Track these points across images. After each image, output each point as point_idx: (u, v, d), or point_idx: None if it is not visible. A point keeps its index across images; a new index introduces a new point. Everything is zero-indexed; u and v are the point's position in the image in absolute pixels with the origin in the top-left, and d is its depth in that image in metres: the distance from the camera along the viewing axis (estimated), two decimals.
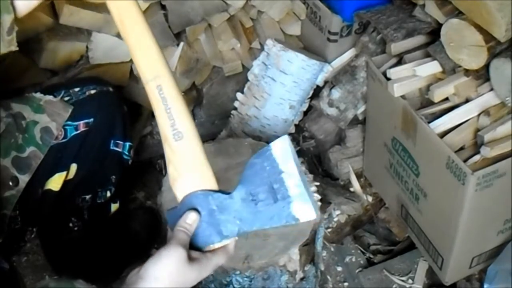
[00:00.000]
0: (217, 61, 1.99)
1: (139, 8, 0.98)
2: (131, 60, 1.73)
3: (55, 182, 1.38)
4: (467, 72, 1.51)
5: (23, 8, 0.99)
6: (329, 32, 1.96)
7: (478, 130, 1.48)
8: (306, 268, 1.45)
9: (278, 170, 0.90)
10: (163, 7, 1.85)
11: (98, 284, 1.08)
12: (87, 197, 1.49)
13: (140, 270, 0.91)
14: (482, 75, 1.50)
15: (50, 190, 1.38)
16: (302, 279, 1.44)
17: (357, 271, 1.80)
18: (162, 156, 1.01)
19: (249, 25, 2.01)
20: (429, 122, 1.51)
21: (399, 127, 1.63)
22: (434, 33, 1.64)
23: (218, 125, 2.13)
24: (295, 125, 2.03)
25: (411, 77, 1.59)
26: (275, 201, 0.92)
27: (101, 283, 1.08)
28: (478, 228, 1.54)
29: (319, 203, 1.45)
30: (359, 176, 1.98)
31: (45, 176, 1.36)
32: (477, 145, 1.45)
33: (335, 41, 1.98)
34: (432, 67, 1.58)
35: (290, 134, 2.04)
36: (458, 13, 1.48)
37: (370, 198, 1.94)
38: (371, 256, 1.87)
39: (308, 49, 2.07)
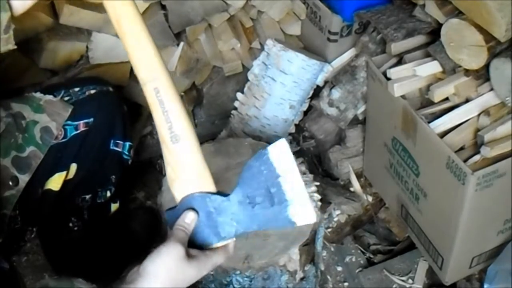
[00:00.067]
0: (217, 61, 1.99)
1: (137, 8, 0.96)
2: None
3: (55, 182, 1.38)
4: (467, 72, 1.51)
5: (19, 7, 0.99)
6: (329, 32, 1.96)
7: (478, 130, 1.48)
8: (306, 268, 1.45)
9: (275, 174, 0.91)
10: (163, 7, 1.85)
11: (98, 283, 1.08)
12: (87, 197, 1.49)
13: (139, 268, 0.91)
14: (482, 75, 1.50)
15: (50, 190, 1.38)
16: (302, 279, 1.44)
17: (357, 271, 1.80)
18: (162, 156, 1.01)
19: (249, 25, 2.01)
20: (429, 122, 1.51)
21: (399, 127, 1.63)
22: (434, 33, 1.64)
23: (218, 125, 2.13)
24: (295, 125, 2.03)
25: (411, 77, 1.59)
26: (272, 205, 0.92)
27: (101, 282, 1.08)
28: (478, 228, 1.54)
29: (319, 203, 1.45)
30: (359, 176, 1.98)
31: (45, 176, 1.36)
32: (477, 145, 1.45)
33: (335, 41, 1.98)
34: (432, 67, 1.58)
35: (290, 134, 2.04)
36: (458, 13, 1.48)
37: (370, 198, 1.94)
38: (371, 256, 1.87)
39: (308, 49, 2.07)
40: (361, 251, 1.87)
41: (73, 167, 1.40)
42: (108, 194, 1.53)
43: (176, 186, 0.99)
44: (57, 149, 1.35)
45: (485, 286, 1.47)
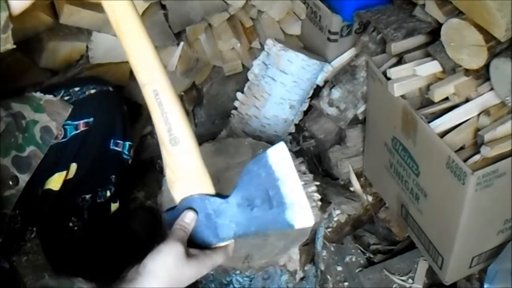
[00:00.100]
0: (217, 60, 1.99)
1: (135, 10, 0.96)
2: None
3: (55, 182, 1.38)
4: (467, 71, 1.51)
5: (18, 7, 0.99)
6: (329, 31, 1.96)
7: (478, 129, 1.48)
8: (306, 268, 1.45)
9: (274, 177, 0.91)
10: (163, 7, 1.85)
11: (98, 283, 1.08)
12: (87, 196, 1.49)
13: (138, 267, 0.92)
14: (482, 74, 1.50)
15: (50, 190, 1.38)
16: (302, 278, 1.44)
17: (357, 270, 1.80)
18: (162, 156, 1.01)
19: (249, 24, 2.01)
20: (429, 122, 1.51)
21: (399, 126, 1.63)
22: (434, 33, 1.64)
23: (218, 124, 2.13)
24: (295, 124, 2.03)
25: (411, 76, 1.59)
26: (271, 208, 0.93)
27: (101, 282, 1.08)
28: (478, 227, 1.54)
29: (319, 203, 1.44)
30: (359, 175, 1.98)
31: (45, 176, 1.36)
32: (477, 145, 1.45)
33: (335, 40, 1.98)
34: (432, 67, 1.58)
35: (290, 133, 2.04)
36: (458, 13, 1.48)
37: (370, 198, 1.95)
38: (371, 256, 1.87)
39: (308, 48, 2.07)
40: (361, 251, 1.87)
41: (73, 166, 1.40)
42: (108, 193, 1.53)
43: (176, 188, 0.99)
44: (57, 149, 1.35)
45: (485, 286, 1.47)
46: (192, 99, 2.07)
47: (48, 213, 1.43)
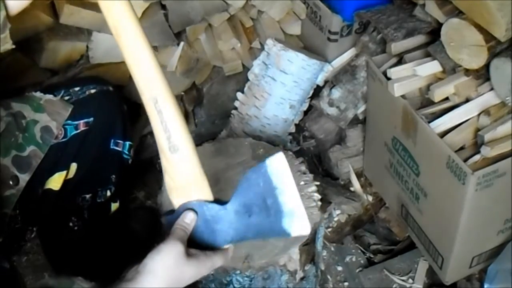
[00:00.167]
0: (217, 60, 1.99)
1: (133, 11, 0.95)
2: None
3: (55, 182, 1.38)
4: (467, 71, 1.51)
5: (15, 7, 0.99)
6: (330, 31, 1.96)
7: (478, 129, 1.48)
8: (306, 268, 1.45)
9: (272, 186, 0.92)
10: (164, 6, 1.85)
11: (98, 282, 1.09)
12: (87, 196, 1.49)
13: (138, 266, 0.92)
14: (482, 74, 1.49)
15: (50, 190, 1.38)
16: (302, 278, 1.44)
17: (357, 270, 1.80)
18: None
19: (249, 24, 2.01)
20: (429, 122, 1.51)
21: (399, 126, 1.63)
22: (434, 33, 1.64)
23: (218, 124, 2.13)
24: (296, 124, 2.03)
25: (411, 76, 1.59)
26: (268, 216, 0.94)
27: (101, 282, 1.08)
28: (478, 227, 1.54)
29: (319, 203, 1.44)
30: (359, 175, 1.98)
31: (45, 176, 1.36)
32: (477, 145, 1.45)
33: (335, 40, 1.98)
34: (432, 67, 1.58)
35: (290, 133, 2.04)
36: (458, 13, 1.48)
37: (370, 198, 1.95)
38: (372, 256, 1.87)
39: (308, 48, 2.07)
40: (361, 250, 1.87)
41: (73, 166, 1.40)
42: (108, 193, 1.53)
43: (175, 194, 1.01)
44: (57, 149, 1.35)
45: (485, 286, 1.47)
46: (192, 99, 2.07)
47: (48, 213, 1.43)
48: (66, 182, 1.40)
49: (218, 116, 2.15)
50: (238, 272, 1.32)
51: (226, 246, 1.01)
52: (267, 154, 1.59)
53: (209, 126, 2.16)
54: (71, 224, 1.50)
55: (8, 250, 1.49)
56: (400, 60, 1.68)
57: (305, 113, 2.05)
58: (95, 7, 1.69)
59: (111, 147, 1.47)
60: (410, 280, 1.75)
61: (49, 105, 1.33)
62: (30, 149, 1.29)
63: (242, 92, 1.97)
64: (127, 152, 1.51)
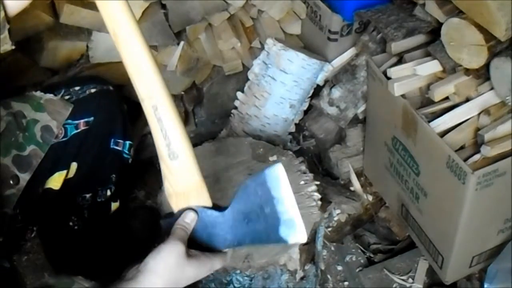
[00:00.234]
0: (217, 60, 1.99)
1: (133, 16, 0.93)
2: None
3: (56, 181, 1.38)
4: (467, 71, 1.51)
5: (14, 7, 0.99)
6: (330, 31, 1.96)
7: (478, 129, 1.48)
8: (306, 267, 1.45)
9: (270, 196, 0.93)
10: (164, 6, 1.85)
11: (98, 282, 1.09)
12: (88, 196, 1.49)
13: (139, 265, 0.92)
14: (482, 74, 1.50)
15: (50, 189, 1.38)
16: (302, 278, 1.44)
17: (357, 270, 1.80)
18: None
19: (249, 24, 2.01)
20: (429, 121, 1.51)
21: (399, 126, 1.63)
22: (434, 32, 1.64)
23: (218, 124, 2.14)
24: (296, 124, 2.03)
25: (411, 76, 1.59)
26: (266, 223, 0.94)
27: (101, 281, 1.09)
28: (478, 227, 1.54)
29: (319, 202, 1.45)
30: (359, 175, 1.98)
31: (45, 175, 1.36)
32: (478, 144, 1.45)
33: (336, 40, 1.98)
34: (432, 66, 1.58)
35: (290, 133, 2.04)
36: (459, 12, 1.48)
37: (370, 197, 1.95)
38: (372, 255, 1.87)
39: (308, 48, 2.07)
40: (361, 250, 1.87)
41: (74, 166, 1.40)
42: (109, 193, 1.53)
43: (174, 200, 1.01)
44: (58, 148, 1.35)
45: (485, 285, 1.47)
46: (192, 98, 2.07)
47: (48, 212, 1.43)
48: (66, 181, 1.40)
49: (218, 116, 2.15)
50: (238, 271, 1.33)
51: (224, 250, 1.01)
52: (267, 154, 1.59)
53: (209, 126, 2.16)
54: (71, 223, 1.50)
55: (9, 249, 1.50)
56: (400, 59, 1.68)
57: (305, 112, 2.05)
58: (95, 7, 1.69)
59: (111, 146, 1.47)
60: (410, 280, 1.75)
61: (50, 104, 1.33)
62: (31, 148, 1.29)
63: (242, 91, 1.97)
64: (127, 152, 1.51)
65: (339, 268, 1.82)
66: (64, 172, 1.39)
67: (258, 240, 0.97)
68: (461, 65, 1.51)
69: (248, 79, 1.95)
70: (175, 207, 1.01)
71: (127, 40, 0.93)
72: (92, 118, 1.39)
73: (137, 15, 1.75)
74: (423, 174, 1.60)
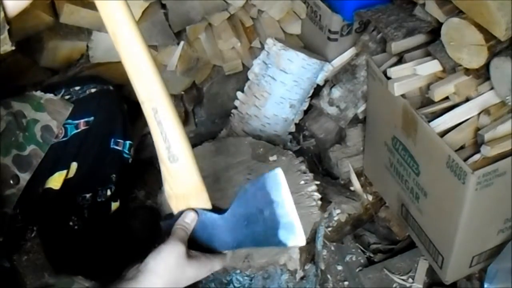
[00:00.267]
0: (217, 60, 1.99)
1: (132, 17, 0.93)
2: None
3: (56, 181, 1.38)
4: (467, 71, 1.51)
5: (15, 7, 0.99)
6: (330, 31, 1.96)
7: (478, 129, 1.48)
8: (306, 267, 1.45)
9: (270, 200, 0.93)
10: (164, 6, 1.85)
11: (98, 282, 1.09)
12: (88, 195, 1.49)
13: (139, 265, 0.92)
14: (482, 74, 1.50)
15: (50, 189, 1.38)
16: (302, 278, 1.44)
17: (357, 270, 1.80)
18: None
19: (249, 24, 2.01)
20: (429, 121, 1.51)
21: (399, 126, 1.63)
22: (435, 32, 1.64)
23: (218, 124, 2.14)
24: (296, 124, 2.03)
25: (411, 76, 1.59)
26: (265, 227, 0.95)
27: (101, 281, 1.09)
28: (478, 227, 1.54)
29: (319, 202, 1.45)
30: (359, 175, 1.98)
31: (45, 175, 1.36)
32: (478, 144, 1.45)
33: (336, 40, 1.98)
34: (432, 66, 1.58)
35: (290, 133, 2.04)
36: (458, 12, 1.48)
37: (370, 197, 1.95)
38: (372, 255, 1.87)
39: (308, 48, 2.07)
40: (361, 250, 1.87)
41: (74, 166, 1.40)
42: (109, 193, 1.53)
43: (174, 202, 1.01)
44: (58, 148, 1.35)
45: (485, 285, 1.47)
46: (192, 98, 2.07)
47: (48, 212, 1.43)
48: (66, 181, 1.40)
49: (218, 116, 2.15)
50: (238, 271, 1.33)
51: (224, 252, 1.02)
52: (267, 153, 1.59)
53: (209, 126, 2.16)
54: (71, 223, 1.50)
55: (9, 249, 1.50)
56: (400, 59, 1.68)
57: (305, 112, 2.05)
58: (95, 7, 1.69)
59: (112, 146, 1.47)
60: (410, 280, 1.75)
61: (50, 104, 1.33)
62: (31, 148, 1.29)
63: (242, 91, 1.97)
64: (127, 152, 1.51)
65: (339, 268, 1.82)
66: (64, 172, 1.39)
67: (257, 243, 0.98)
68: (461, 65, 1.51)
69: (248, 79, 1.95)
70: (175, 209, 1.01)
71: (126, 41, 0.93)
72: (92, 118, 1.39)
73: (137, 15, 1.75)
74: (423, 174, 1.60)
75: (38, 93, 1.35)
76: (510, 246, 1.49)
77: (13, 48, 1.03)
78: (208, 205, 1.01)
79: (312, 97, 1.99)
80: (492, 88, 1.50)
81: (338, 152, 2.01)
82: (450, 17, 1.49)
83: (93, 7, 1.68)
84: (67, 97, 1.38)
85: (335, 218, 1.85)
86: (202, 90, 2.07)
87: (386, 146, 1.75)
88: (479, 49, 1.42)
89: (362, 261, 1.83)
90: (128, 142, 1.50)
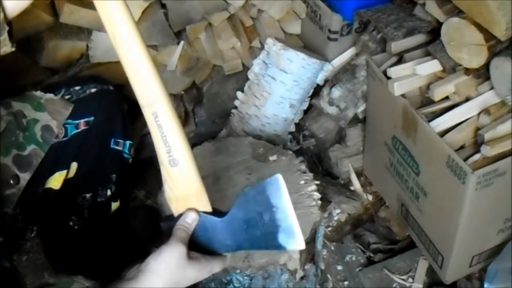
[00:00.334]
0: (217, 59, 1.99)
1: (131, 17, 0.92)
2: None
3: (56, 181, 1.38)
4: (467, 71, 1.51)
5: (15, 8, 0.99)
6: (330, 31, 1.96)
7: (478, 129, 1.48)
8: (306, 267, 1.45)
9: (270, 204, 0.94)
10: (164, 5, 1.85)
11: (98, 282, 1.09)
12: (88, 195, 1.49)
13: (140, 265, 0.92)
14: (482, 74, 1.50)
15: (50, 189, 1.38)
16: (302, 278, 1.44)
17: (357, 270, 1.80)
18: None
19: (249, 24, 2.01)
20: (429, 121, 1.51)
21: (399, 126, 1.63)
22: (434, 32, 1.64)
23: (218, 123, 2.14)
24: (295, 123, 2.03)
25: (411, 76, 1.59)
26: (265, 230, 0.96)
27: (101, 281, 1.09)
28: (478, 227, 1.54)
29: (319, 202, 1.45)
30: (359, 174, 1.98)
31: (45, 175, 1.36)
32: (477, 144, 1.45)
33: (336, 40, 1.98)
34: (432, 66, 1.58)
35: (290, 132, 2.04)
36: (458, 12, 1.48)
37: (370, 197, 1.94)
38: (371, 255, 1.87)
39: (308, 47, 2.07)
40: (361, 250, 1.87)
41: (74, 166, 1.40)
42: (109, 192, 1.53)
43: (174, 204, 1.02)
44: (58, 148, 1.35)
45: (485, 285, 1.47)
46: (192, 98, 2.07)
47: (48, 212, 1.43)
48: (66, 181, 1.40)
49: (218, 115, 2.15)
50: (238, 271, 1.33)
51: (224, 254, 1.02)
52: (267, 153, 1.59)
53: (209, 125, 2.16)
54: (71, 223, 1.50)
55: (9, 249, 1.50)
56: (400, 59, 1.68)
57: (305, 112, 2.05)
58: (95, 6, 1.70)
59: (112, 146, 1.47)
60: (410, 279, 1.75)
61: (50, 104, 1.33)
62: (31, 148, 1.29)
63: (242, 91, 1.97)
64: (127, 151, 1.51)
65: (339, 267, 1.82)
66: (64, 172, 1.39)
67: (257, 246, 0.99)
68: (461, 65, 1.51)
69: (248, 79, 1.95)
70: (175, 211, 1.02)
71: (125, 41, 0.92)
72: (92, 118, 1.39)
73: (137, 15, 1.75)
74: (423, 174, 1.60)
75: (38, 93, 1.35)
76: (510, 246, 1.49)
77: (13, 49, 1.03)
78: (208, 208, 1.01)
79: (312, 97, 1.99)
80: (492, 88, 1.50)
81: (338, 152, 2.02)
82: (450, 17, 1.49)
83: (93, 7, 1.68)
84: (67, 97, 1.38)
85: (335, 218, 1.85)
86: (202, 90, 2.07)
87: (386, 146, 1.75)
88: (479, 49, 1.42)
89: (362, 261, 1.84)
90: (128, 142, 1.50)
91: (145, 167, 1.99)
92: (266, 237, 0.95)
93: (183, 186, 0.99)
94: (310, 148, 2.14)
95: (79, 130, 1.38)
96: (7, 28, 0.99)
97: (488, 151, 1.41)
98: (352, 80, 1.91)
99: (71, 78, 1.76)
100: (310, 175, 1.51)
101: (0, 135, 1.23)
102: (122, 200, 1.62)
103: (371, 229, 1.97)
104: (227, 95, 2.10)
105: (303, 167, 1.53)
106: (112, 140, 1.46)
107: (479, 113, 1.51)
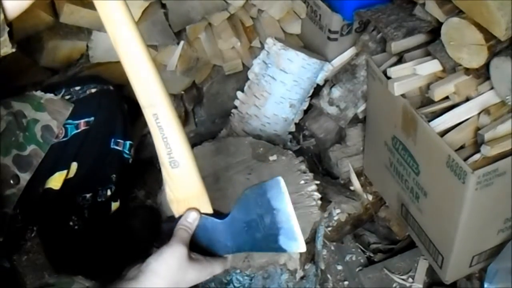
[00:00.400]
0: (217, 59, 1.99)
1: (131, 17, 0.91)
2: None
3: (56, 181, 1.38)
4: (467, 71, 1.51)
5: (15, 9, 0.99)
6: (330, 30, 1.96)
7: (478, 129, 1.48)
8: (306, 267, 1.45)
9: (270, 206, 0.94)
10: (164, 5, 1.85)
11: (99, 282, 1.09)
12: (88, 195, 1.49)
13: (141, 265, 0.92)
14: (482, 73, 1.50)
15: (50, 189, 1.38)
16: (302, 278, 1.44)
17: (357, 270, 1.80)
18: None
19: (249, 23, 2.01)
20: (429, 121, 1.51)
21: (399, 125, 1.63)
22: (434, 32, 1.64)
23: (218, 123, 2.13)
24: (296, 123, 2.03)
25: (411, 76, 1.59)
26: (266, 233, 0.96)
27: (101, 281, 1.09)
28: (478, 227, 1.54)
29: (319, 202, 1.45)
30: (359, 174, 1.98)
31: (45, 175, 1.36)
32: (478, 144, 1.45)
33: (336, 39, 1.98)
34: (432, 66, 1.58)
35: (290, 132, 2.04)
36: (458, 12, 1.48)
37: (370, 197, 1.94)
38: (371, 255, 1.87)
39: (308, 47, 2.07)
40: (361, 250, 1.87)
41: (74, 166, 1.40)
42: (109, 193, 1.53)
43: (175, 206, 1.02)
44: (58, 148, 1.35)
45: (485, 285, 1.47)
46: (192, 98, 2.07)
47: (48, 212, 1.43)
48: (66, 181, 1.40)
49: (218, 115, 2.15)
50: (238, 271, 1.33)
51: (225, 255, 1.02)
52: (267, 153, 1.59)
53: (209, 125, 2.16)
54: (71, 223, 1.50)
55: (9, 249, 1.50)
56: (400, 59, 1.68)
57: (305, 112, 2.05)
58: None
59: (112, 146, 1.47)
60: (410, 279, 1.75)
61: (50, 104, 1.33)
62: (31, 148, 1.29)
63: (242, 91, 1.97)
64: (127, 152, 1.51)
65: (339, 267, 1.82)
66: (65, 172, 1.39)
67: (257, 248, 0.99)
68: (461, 65, 1.51)
69: (248, 79, 1.95)
70: (176, 212, 1.01)
71: (125, 41, 0.92)
72: (92, 118, 1.39)
73: (137, 15, 1.75)
74: (423, 174, 1.60)
75: (38, 93, 1.35)
76: (510, 246, 1.49)
77: (14, 50, 1.03)
78: (209, 210, 1.01)
79: (312, 96, 1.99)
80: (492, 88, 1.50)
81: (338, 151, 2.01)
82: (450, 17, 1.49)
83: (93, 7, 1.68)
84: (67, 97, 1.38)
85: (335, 218, 1.85)
86: (202, 90, 2.07)
87: (386, 145, 1.75)
88: (479, 49, 1.42)
89: (362, 260, 1.84)
90: (128, 142, 1.50)
91: (145, 167, 1.99)
92: (266, 239, 0.95)
93: (184, 188, 0.99)
94: (310, 148, 2.14)
95: (79, 130, 1.38)
96: (7, 29, 0.99)
97: (488, 151, 1.41)
98: (352, 80, 1.91)
99: (71, 78, 1.76)
100: (310, 175, 1.51)
101: (0, 135, 1.23)
102: (122, 200, 1.62)
103: (371, 229, 1.97)
104: (227, 95, 2.10)
105: (303, 167, 1.53)
106: (112, 140, 1.46)
107: (479, 113, 1.51)
